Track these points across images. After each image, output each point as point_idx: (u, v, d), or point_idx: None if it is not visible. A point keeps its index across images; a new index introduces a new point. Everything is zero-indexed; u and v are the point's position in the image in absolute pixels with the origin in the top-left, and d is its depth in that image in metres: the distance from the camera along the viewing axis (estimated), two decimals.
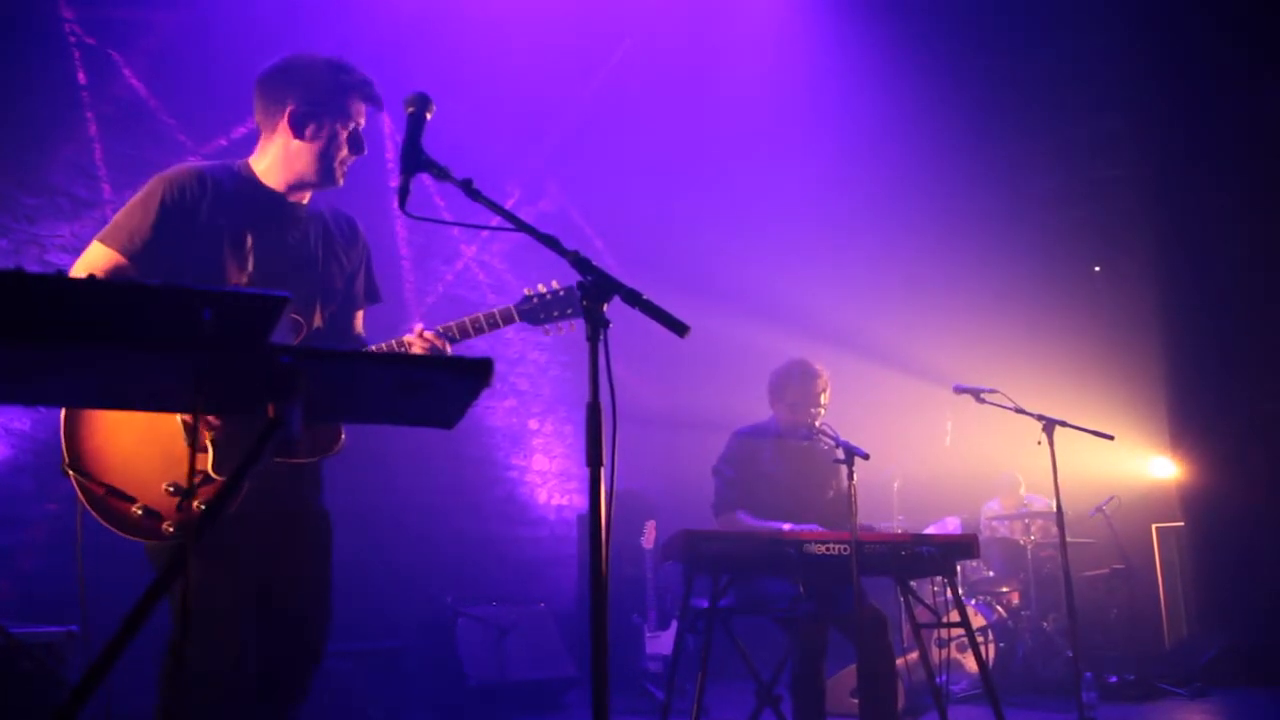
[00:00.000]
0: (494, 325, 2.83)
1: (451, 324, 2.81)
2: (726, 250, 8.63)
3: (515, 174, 8.10)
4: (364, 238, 3.03)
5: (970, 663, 6.24)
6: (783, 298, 8.48)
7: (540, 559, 7.98)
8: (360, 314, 3.03)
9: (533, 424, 8.35)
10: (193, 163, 2.80)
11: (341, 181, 2.83)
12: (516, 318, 2.85)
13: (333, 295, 2.90)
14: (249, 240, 2.72)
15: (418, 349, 2.75)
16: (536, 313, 2.87)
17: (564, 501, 8.37)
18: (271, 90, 2.78)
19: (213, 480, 2.55)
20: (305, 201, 2.86)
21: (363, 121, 2.82)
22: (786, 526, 4.15)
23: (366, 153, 2.84)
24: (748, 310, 8.25)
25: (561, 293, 2.85)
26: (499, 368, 8.04)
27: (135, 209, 2.66)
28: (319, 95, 2.76)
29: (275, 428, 1.57)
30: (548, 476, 8.35)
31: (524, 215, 2.31)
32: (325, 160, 2.78)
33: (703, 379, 8.42)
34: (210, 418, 2.56)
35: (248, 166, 2.82)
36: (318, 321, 2.82)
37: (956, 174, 8.89)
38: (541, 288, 2.87)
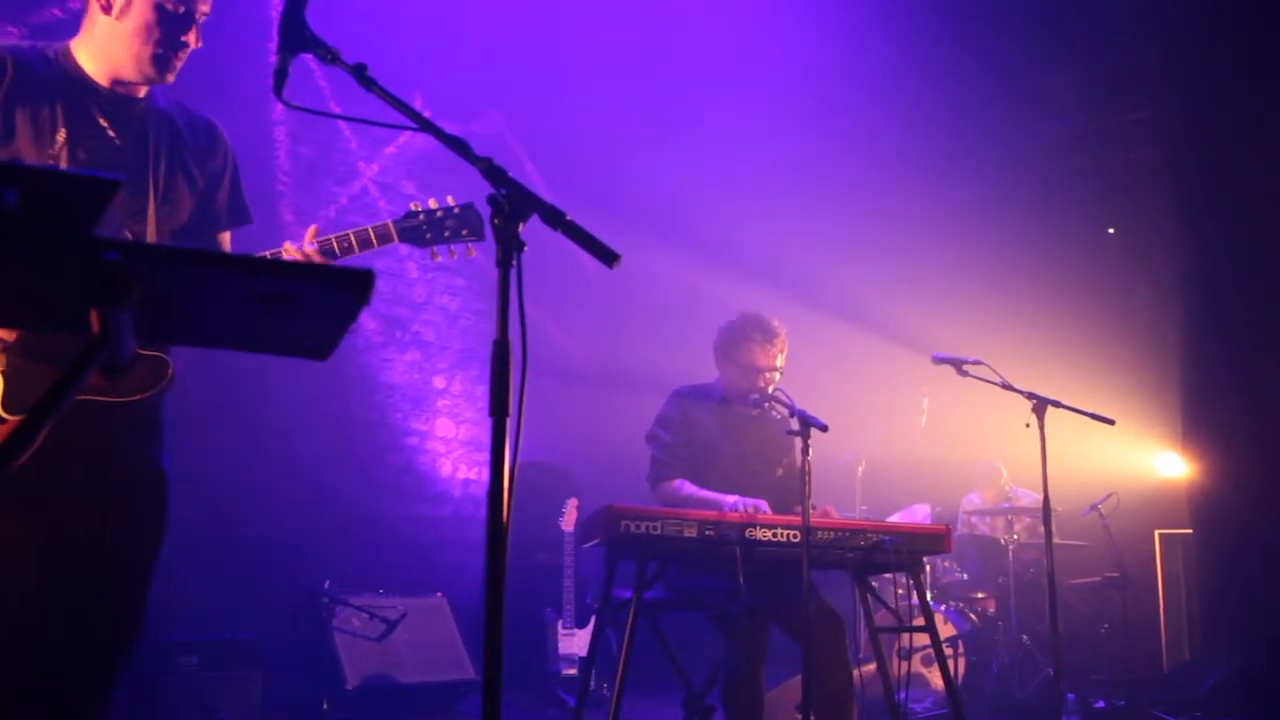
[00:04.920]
0: (366, 245, 2.78)
1: (330, 238, 2.76)
2: (680, 187, 8.62)
3: (442, 86, 7.98)
4: (227, 145, 2.95)
5: (936, 678, 6.36)
6: (742, 242, 8.50)
7: (440, 541, 7.96)
8: (225, 236, 2.97)
9: (438, 382, 8.29)
10: None
11: (170, 77, 2.72)
12: (395, 236, 2.82)
13: (176, 210, 2.81)
14: (60, 138, 2.62)
15: None
16: (421, 231, 2.83)
17: (471, 475, 8.35)
18: None
19: (4, 421, 2.47)
20: (140, 96, 2.76)
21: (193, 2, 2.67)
22: (731, 498, 4.18)
23: (201, 44, 2.71)
24: (701, 255, 8.27)
25: (457, 210, 2.83)
26: (400, 313, 7.98)
27: None
28: None
29: (101, 345, 1.51)
30: (453, 445, 8.31)
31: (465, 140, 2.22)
32: (143, 47, 2.65)
33: (643, 333, 8.43)
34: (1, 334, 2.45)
35: (67, 51, 2.71)
36: (152, 239, 2.71)
37: (951, 112, 8.94)
38: (433, 203, 2.84)
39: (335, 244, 2.76)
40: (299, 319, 1.64)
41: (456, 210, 2.83)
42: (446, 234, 2.84)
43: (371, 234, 2.79)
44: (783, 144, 9.00)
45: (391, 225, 2.82)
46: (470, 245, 2.87)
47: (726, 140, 8.93)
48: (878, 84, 8.76)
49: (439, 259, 2.88)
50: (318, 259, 2.71)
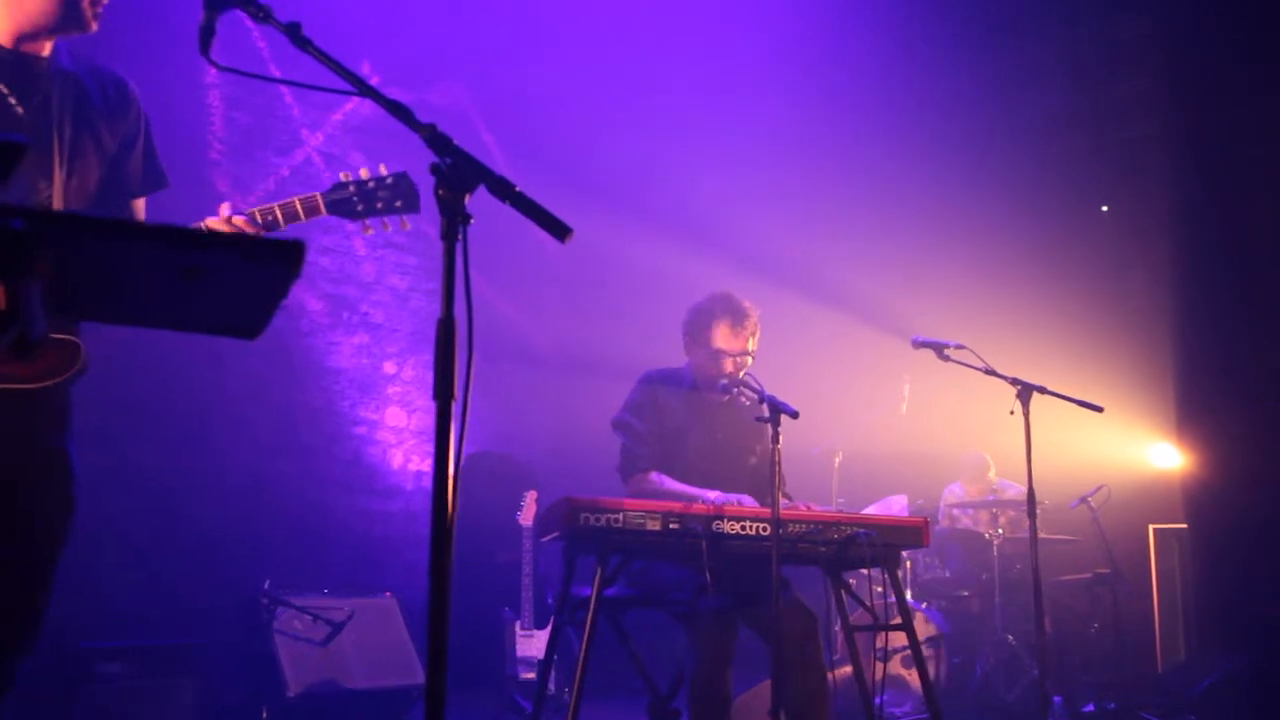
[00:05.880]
0: (293, 218, 2.80)
1: (253, 210, 2.76)
2: (653, 164, 8.62)
3: (397, 53, 7.93)
4: (139, 105, 2.93)
5: (916, 680, 6.40)
6: (717, 222, 8.50)
7: (390, 537, 7.94)
8: (140, 204, 2.96)
9: (388, 367, 8.26)
10: None
11: (94, 25, 2.70)
12: (323, 209, 2.83)
13: (84, 180, 2.78)
14: None
15: None
16: (352, 203, 2.84)
17: (424, 467, 8.33)
18: None
19: None
20: (45, 54, 2.72)
21: None
22: (713, 494, 4.19)
23: None
24: (674, 235, 8.26)
25: (390, 180, 2.84)
26: (347, 293, 7.94)
27: None
28: None
29: (9, 321, 1.50)
30: (404, 435, 8.29)
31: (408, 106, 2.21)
32: None
33: (611, 316, 8.42)
34: None
35: None
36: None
37: (937, 85, 8.97)
38: (364, 172, 2.85)
39: (259, 216, 2.76)
40: (224, 294, 1.63)
41: (389, 180, 2.84)
42: (379, 205, 2.85)
43: (298, 206, 2.80)
44: (760, 121, 9.01)
45: (319, 197, 2.83)
46: (404, 218, 2.89)
47: (702, 116, 8.94)
48: (859, 59, 8.79)
49: (371, 231, 2.90)
50: (251, 231, 2.70)
